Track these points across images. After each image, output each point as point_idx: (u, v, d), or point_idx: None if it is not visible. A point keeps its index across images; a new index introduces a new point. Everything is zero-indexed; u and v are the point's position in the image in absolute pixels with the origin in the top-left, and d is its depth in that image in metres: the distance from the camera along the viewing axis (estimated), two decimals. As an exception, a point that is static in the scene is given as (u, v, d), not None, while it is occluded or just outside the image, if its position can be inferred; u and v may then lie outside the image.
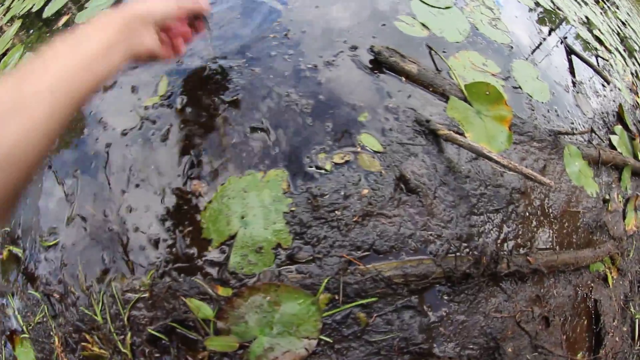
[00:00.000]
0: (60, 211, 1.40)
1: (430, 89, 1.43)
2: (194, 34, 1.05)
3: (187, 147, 1.32)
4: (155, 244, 1.23)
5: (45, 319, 1.34)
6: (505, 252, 1.42)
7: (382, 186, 1.24)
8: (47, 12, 2.39)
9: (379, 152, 1.26)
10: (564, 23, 2.59)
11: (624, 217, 1.99)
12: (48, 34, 2.25)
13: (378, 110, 1.33)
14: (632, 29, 4.81)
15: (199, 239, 1.20)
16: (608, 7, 4.53)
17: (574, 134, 1.87)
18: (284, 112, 1.31)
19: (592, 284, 1.75)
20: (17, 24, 2.59)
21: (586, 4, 3.39)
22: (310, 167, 1.22)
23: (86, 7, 2.10)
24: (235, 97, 1.35)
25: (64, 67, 0.53)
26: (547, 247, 1.55)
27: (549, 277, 1.56)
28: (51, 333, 1.33)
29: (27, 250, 1.42)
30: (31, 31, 2.45)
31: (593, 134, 2.06)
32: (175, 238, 1.22)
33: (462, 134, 1.42)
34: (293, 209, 1.19)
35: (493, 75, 1.66)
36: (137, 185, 1.31)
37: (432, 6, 1.75)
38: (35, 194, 1.49)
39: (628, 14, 5.57)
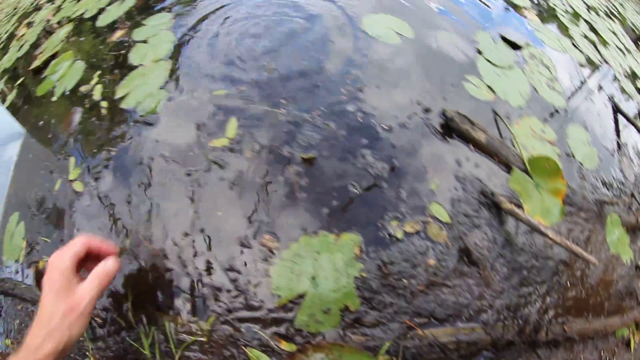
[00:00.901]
0: (111, 236, 1.42)
1: (496, 159, 1.51)
2: None
3: (258, 198, 1.35)
4: (219, 291, 1.27)
5: (82, 338, 1.36)
6: (545, 321, 1.50)
7: (447, 257, 1.33)
8: (101, 22, 2.37)
9: (447, 223, 1.34)
10: (610, 78, 2.66)
11: None
12: (101, 46, 2.21)
13: (448, 179, 1.41)
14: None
15: (266, 293, 1.25)
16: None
17: (616, 203, 1.96)
18: (359, 174, 1.37)
19: (615, 349, 1.85)
20: (68, 27, 2.55)
21: (629, 51, 3.46)
22: (383, 234, 1.29)
23: (144, 25, 2.09)
24: (310, 155, 1.39)
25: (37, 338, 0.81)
26: (581, 315, 1.63)
27: (579, 343, 1.65)
28: (87, 353, 1.36)
29: None
30: (83, 39, 2.40)
31: (634, 200, 2.14)
32: (241, 289, 1.26)
33: (520, 207, 1.50)
34: (364, 274, 1.26)
35: (550, 143, 1.74)
36: (202, 230, 1.34)
37: (496, 65, 1.82)
38: (87, 219, 1.50)
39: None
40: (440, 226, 1.34)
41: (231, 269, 1.26)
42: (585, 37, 2.82)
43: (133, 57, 1.94)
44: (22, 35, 3.02)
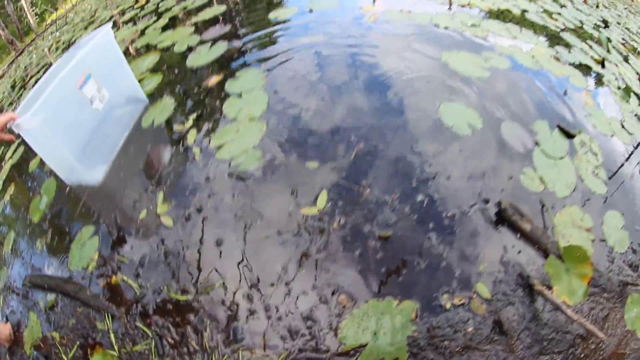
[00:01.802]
0: (198, 274, 1.35)
1: (537, 246, 1.45)
2: None
3: (339, 264, 1.35)
4: (295, 333, 1.25)
5: (147, 352, 1.27)
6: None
7: (483, 327, 1.33)
8: (191, 62, 2.17)
9: (487, 299, 1.32)
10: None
11: None
12: (193, 88, 1.96)
13: (494, 262, 1.41)
14: None
15: (334, 340, 1.25)
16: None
17: (638, 285, 1.79)
18: (424, 253, 1.39)
19: None
20: (155, 56, 2.34)
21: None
22: (435, 303, 1.32)
23: (238, 78, 1.94)
24: (387, 234, 1.40)
25: None
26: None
27: None
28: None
29: (147, 290, 1.34)
30: (172, 74, 2.13)
31: (653, 277, 1.94)
32: (314, 334, 1.25)
33: (550, 288, 1.43)
34: (415, 334, 1.29)
35: (587, 230, 1.62)
36: (288, 283, 1.32)
37: (550, 157, 1.70)
38: (173, 254, 1.40)
39: None
40: (482, 301, 1.34)
41: (309, 317, 1.28)
42: (636, 115, 2.52)
43: (227, 110, 1.79)
44: None
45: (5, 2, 11.67)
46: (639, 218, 1.97)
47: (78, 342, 1.32)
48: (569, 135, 1.93)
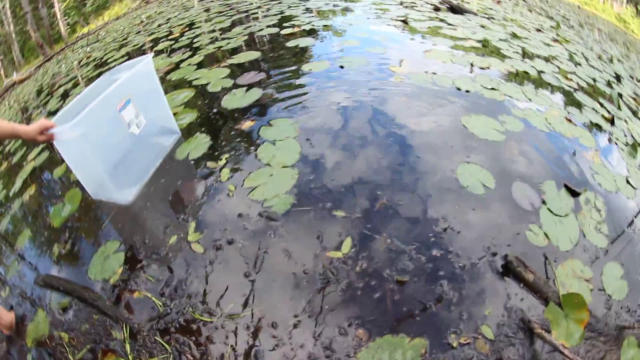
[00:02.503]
0: (225, 300, 1.27)
1: (538, 295, 1.43)
2: None
3: (359, 302, 1.32)
4: None
5: None
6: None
7: (485, 364, 1.30)
8: (226, 103, 2.01)
9: (491, 340, 1.33)
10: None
11: None
12: (231, 130, 1.81)
13: (499, 308, 1.42)
14: None
15: None
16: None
17: (635, 328, 1.67)
18: (436, 297, 1.41)
19: None
20: (190, 92, 2.14)
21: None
22: (443, 341, 1.35)
23: (271, 126, 1.85)
24: (404, 279, 1.41)
25: None
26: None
27: None
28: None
29: (170, 309, 1.25)
30: (202, 109, 2.01)
31: (651, 322, 1.80)
32: None
33: (549, 331, 1.39)
34: None
35: (586, 280, 1.56)
36: (311, 316, 1.27)
37: (555, 214, 1.66)
38: (199, 279, 1.31)
39: None
40: (486, 341, 1.35)
41: (328, 348, 1.25)
42: (641, 170, 2.34)
43: (262, 155, 1.70)
44: None
45: (40, 5, 10.54)
46: (637, 267, 1.84)
47: (88, 346, 1.22)
48: (575, 194, 1.87)
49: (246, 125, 1.86)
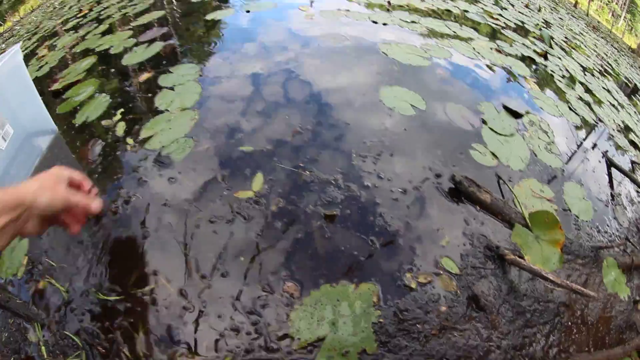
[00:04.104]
0: (123, 273, 1.30)
1: (499, 217, 1.54)
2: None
3: (282, 249, 1.33)
4: (237, 332, 1.19)
5: None
6: (550, 358, 1.48)
7: (457, 304, 1.35)
8: (126, 61, 2.30)
9: (456, 274, 1.37)
10: (604, 134, 2.63)
11: None
12: (126, 85, 2.09)
13: (457, 235, 1.45)
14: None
15: (285, 336, 1.19)
16: (639, 101, 4.47)
17: (612, 247, 1.92)
18: (377, 231, 1.41)
19: None
20: (92, 59, 2.47)
21: (622, 106, 3.40)
22: (398, 284, 1.32)
23: (171, 73, 2.06)
24: (333, 212, 1.41)
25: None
26: (584, 349, 1.59)
27: None
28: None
29: (74, 294, 1.30)
30: (107, 73, 2.26)
31: (628, 242, 2.09)
32: (260, 331, 1.20)
33: (522, 258, 1.51)
34: (381, 320, 1.26)
35: (548, 200, 1.75)
36: (224, 275, 1.28)
37: (499, 134, 1.86)
38: (92, 246, 1.37)
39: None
40: (451, 277, 1.37)
41: (251, 311, 1.22)
42: (581, 99, 2.81)
43: (159, 102, 1.86)
44: (43, 56, 2.91)
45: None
46: (597, 188, 2.15)
47: (12, 358, 1.26)
48: (517, 115, 2.13)
49: (144, 77, 2.07)
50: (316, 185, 1.47)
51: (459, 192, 1.56)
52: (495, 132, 1.86)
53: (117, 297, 1.26)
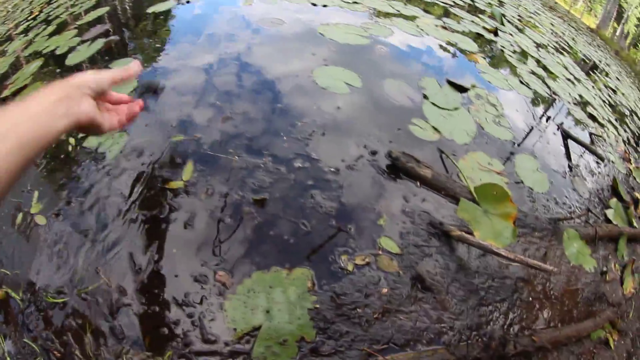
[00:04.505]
0: (68, 274, 1.35)
1: (443, 192, 1.54)
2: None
3: (212, 238, 1.34)
4: (175, 325, 1.21)
5: None
6: (511, 335, 1.48)
7: (400, 285, 1.33)
8: (70, 61, 2.40)
9: (397, 254, 1.36)
10: (560, 108, 2.72)
11: (622, 283, 2.06)
12: None
13: (396, 214, 1.43)
14: (622, 93, 4.93)
15: (222, 327, 1.20)
16: (598, 77, 4.67)
17: (572, 218, 1.96)
18: (308, 214, 1.38)
19: (594, 350, 1.81)
20: (39, 62, 2.58)
21: (579, 80, 3.54)
22: (334, 267, 1.29)
23: (110, 67, 2.11)
24: (262, 196, 1.41)
25: (12, 119, 0.58)
26: (550, 325, 1.61)
27: (552, 352, 1.62)
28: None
29: (28, 300, 1.35)
30: (52, 74, 2.40)
31: (589, 213, 2.14)
32: (196, 323, 1.21)
33: (471, 234, 1.52)
34: (317, 306, 1.24)
35: (498, 173, 1.77)
36: (157, 268, 1.31)
37: (442, 108, 1.88)
38: (39, 249, 1.44)
39: (618, 78, 5.72)
40: (391, 257, 1.36)
41: (186, 303, 1.23)
42: (533, 73, 2.90)
43: None
44: None
45: None
46: (552, 160, 2.21)
47: None
48: (462, 89, 2.17)
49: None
50: (245, 170, 1.46)
51: (396, 169, 1.56)
52: (438, 106, 1.87)
53: (65, 299, 1.29)
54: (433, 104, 1.86)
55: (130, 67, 0.75)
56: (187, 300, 1.23)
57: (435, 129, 1.74)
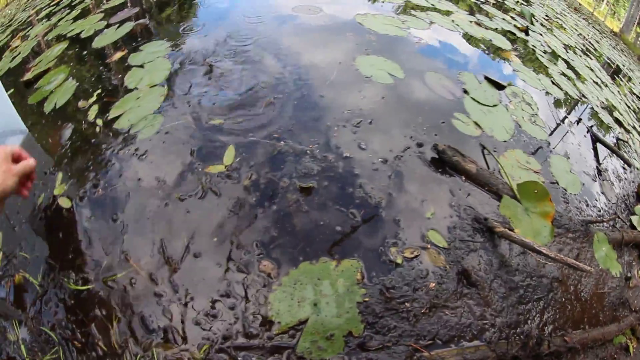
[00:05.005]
0: (93, 260, 1.31)
1: (486, 188, 1.56)
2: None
3: (256, 226, 1.32)
4: (214, 318, 1.17)
5: None
6: (546, 335, 1.51)
7: (446, 280, 1.35)
8: (97, 43, 2.37)
9: (445, 248, 1.37)
10: (589, 111, 2.74)
11: None
12: (100, 66, 2.19)
13: (443, 207, 1.45)
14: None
15: (265, 320, 1.17)
16: (622, 81, 4.69)
17: (602, 221, 1.98)
18: (357, 203, 1.39)
19: (615, 355, 1.84)
20: (63, 44, 2.54)
21: (605, 85, 3.55)
22: (383, 259, 1.30)
23: (141, 51, 2.13)
24: (309, 184, 1.40)
25: None
26: (579, 326, 1.63)
27: (580, 353, 1.65)
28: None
29: (47, 286, 1.31)
30: (78, 57, 2.37)
31: (617, 218, 2.17)
32: (237, 315, 1.18)
33: (512, 230, 1.53)
34: (366, 299, 1.24)
35: (535, 172, 1.79)
36: (197, 256, 1.27)
37: (482, 104, 1.89)
38: (62, 233, 1.40)
39: (641, 84, 5.75)
40: (438, 251, 1.37)
41: (227, 294, 1.20)
42: (564, 74, 2.92)
43: (128, 81, 1.93)
44: (16, 47, 2.97)
45: None
46: (583, 163, 2.23)
47: None
48: (499, 86, 2.18)
49: (116, 56, 2.15)
50: (291, 157, 1.45)
51: (442, 162, 1.57)
52: (478, 102, 1.89)
53: (90, 287, 1.25)
54: (473, 99, 1.88)
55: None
56: (227, 290, 1.21)
57: (477, 124, 1.76)
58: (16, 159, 0.92)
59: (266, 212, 1.32)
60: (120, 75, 1.99)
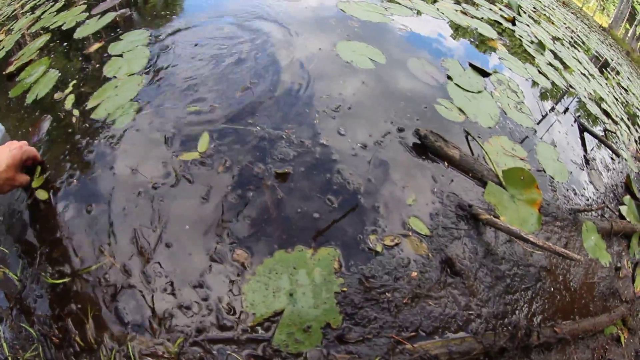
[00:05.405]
0: (69, 252, 1.28)
1: (470, 174, 1.53)
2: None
3: (229, 213, 1.29)
4: (187, 310, 1.14)
5: (37, 359, 1.17)
6: (535, 325, 1.48)
7: (429, 269, 1.32)
8: (78, 34, 2.37)
9: (427, 236, 1.33)
10: (576, 101, 2.73)
11: (633, 281, 2.09)
12: (77, 57, 2.20)
13: (425, 194, 1.42)
14: (633, 94, 5.01)
15: (240, 312, 1.14)
16: (610, 74, 4.72)
17: (591, 210, 1.97)
18: (335, 190, 1.36)
19: (606, 346, 1.82)
20: (45, 37, 2.53)
21: (593, 77, 3.56)
22: (362, 247, 1.27)
23: (121, 40, 2.13)
24: (285, 170, 1.37)
25: None
26: (569, 317, 1.61)
27: (571, 344, 1.62)
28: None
29: (25, 281, 1.29)
30: (59, 49, 2.35)
31: (606, 208, 2.15)
32: (211, 307, 1.15)
33: (498, 218, 1.50)
34: (345, 289, 1.21)
35: (521, 159, 1.77)
36: (168, 245, 1.24)
37: (466, 90, 1.86)
38: (40, 225, 1.37)
39: (629, 78, 5.81)
40: (420, 239, 1.33)
41: (200, 285, 1.17)
42: (551, 64, 2.91)
43: (107, 70, 1.92)
44: (0, 41, 2.90)
45: None
46: (570, 152, 2.22)
47: None
48: (484, 74, 2.15)
49: (94, 47, 2.15)
50: (267, 142, 1.42)
51: (424, 148, 1.54)
52: (462, 88, 1.86)
53: (65, 280, 1.22)
54: (457, 85, 1.85)
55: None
56: (201, 281, 1.17)
57: (461, 110, 1.73)
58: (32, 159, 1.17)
59: (241, 199, 1.29)
60: (98, 65, 2.00)
